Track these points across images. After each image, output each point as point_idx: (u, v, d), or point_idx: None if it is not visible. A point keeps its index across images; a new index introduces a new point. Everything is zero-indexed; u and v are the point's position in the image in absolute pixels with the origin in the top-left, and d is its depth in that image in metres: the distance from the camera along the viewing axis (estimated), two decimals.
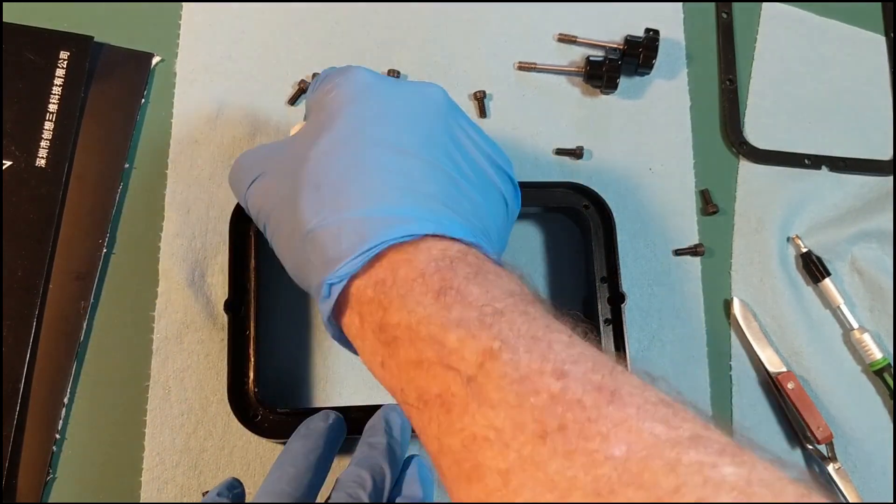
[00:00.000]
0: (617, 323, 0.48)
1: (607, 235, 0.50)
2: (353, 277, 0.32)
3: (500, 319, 0.28)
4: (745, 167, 0.57)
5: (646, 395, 0.25)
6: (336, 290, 0.32)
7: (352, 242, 0.32)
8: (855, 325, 0.54)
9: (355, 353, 0.34)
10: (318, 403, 0.47)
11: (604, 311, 0.49)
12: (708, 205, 0.56)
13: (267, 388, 0.47)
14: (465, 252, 0.32)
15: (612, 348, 0.48)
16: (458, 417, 0.27)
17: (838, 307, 0.54)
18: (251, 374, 0.45)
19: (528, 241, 0.53)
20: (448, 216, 0.33)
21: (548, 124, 0.55)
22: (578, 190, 0.51)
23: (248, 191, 0.39)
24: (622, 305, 0.49)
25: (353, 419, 0.45)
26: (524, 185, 0.51)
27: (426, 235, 0.32)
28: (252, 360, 0.45)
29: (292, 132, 0.41)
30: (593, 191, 0.51)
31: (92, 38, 0.51)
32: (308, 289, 0.35)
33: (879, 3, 0.64)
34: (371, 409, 0.47)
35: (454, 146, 0.36)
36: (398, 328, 0.30)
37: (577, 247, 0.53)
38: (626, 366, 0.42)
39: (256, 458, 0.46)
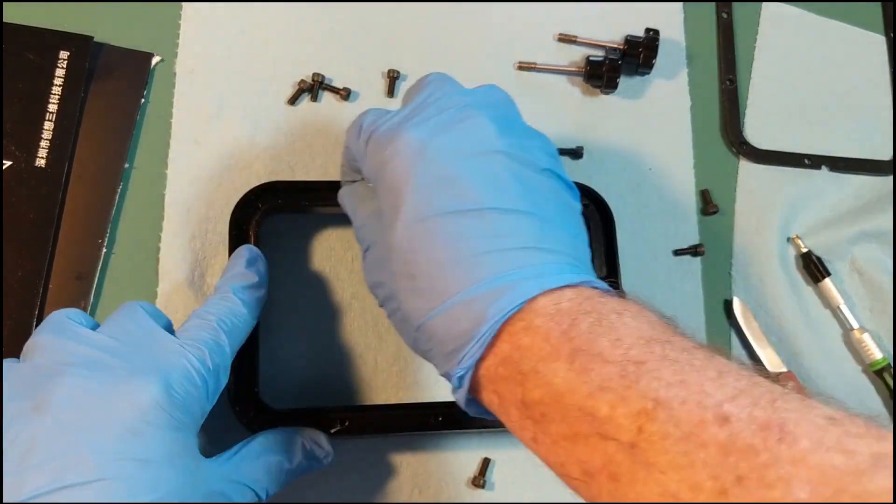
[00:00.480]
0: None
1: (607, 235, 0.50)
2: (479, 360, 0.32)
3: (643, 371, 0.27)
4: (745, 167, 0.57)
5: (812, 418, 0.25)
6: (466, 380, 0.32)
7: (464, 330, 0.31)
8: (855, 325, 0.54)
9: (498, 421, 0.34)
10: (318, 403, 0.47)
11: None
12: (708, 205, 0.56)
13: (267, 387, 0.47)
14: (577, 297, 0.31)
15: None
16: (629, 487, 0.26)
17: (838, 307, 0.54)
18: (252, 374, 0.45)
19: None
20: (543, 261, 0.33)
21: (548, 124, 0.55)
22: (579, 189, 0.51)
23: (364, 262, 0.40)
24: None
25: (355, 420, 0.45)
26: None
27: (533, 298, 0.31)
28: (252, 359, 0.45)
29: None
30: (594, 190, 0.51)
31: (92, 38, 0.51)
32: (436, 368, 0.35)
33: (879, 3, 0.64)
34: (371, 410, 0.47)
35: (518, 175, 0.35)
36: (542, 404, 0.29)
37: None
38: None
39: None
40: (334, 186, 0.49)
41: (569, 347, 0.29)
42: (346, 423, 0.45)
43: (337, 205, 0.48)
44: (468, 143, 0.35)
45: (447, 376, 0.33)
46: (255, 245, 0.46)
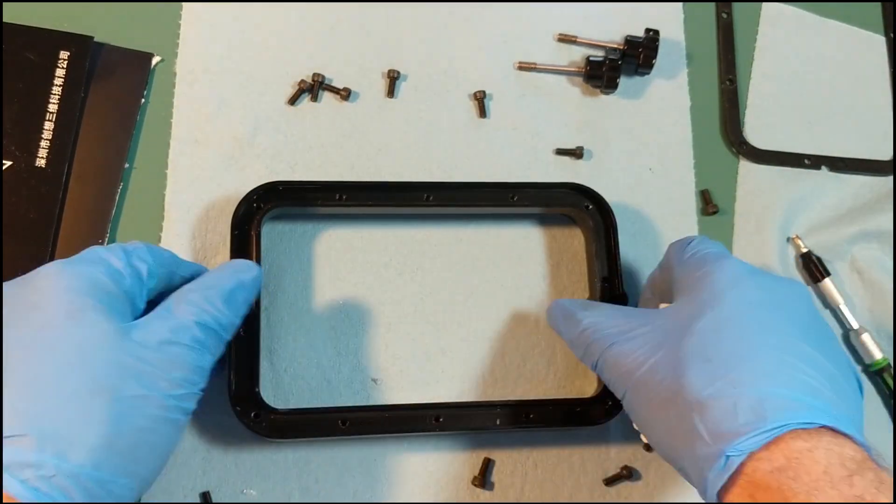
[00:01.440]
0: None
1: (608, 236, 0.50)
2: (749, 455, 0.32)
3: None
4: (745, 167, 0.57)
5: None
6: (734, 463, 0.32)
7: (749, 418, 0.33)
8: (855, 325, 0.54)
9: None
10: (319, 403, 0.47)
11: None
12: (708, 205, 0.56)
13: (268, 387, 0.47)
14: (862, 456, 0.32)
15: None
16: None
17: (838, 307, 0.54)
18: (252, 374, 0.45)
19: (529, 242, 0.53)
20: (838, 410, 0.34)
21: (548, 124, 0.55)
22: (580, 191, 0.51)
23: (605, 353, 0.40)
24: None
25: (355, 420, 0.45)
26: (524, 186, 0.51)
27: (822, 427, 0.33)
28: (253, 359, 0.45)
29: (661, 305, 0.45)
30: (594, 192, 0.51)
31: (92, 38, 0.51)
32: (680, 458, 0.36)
33: (879, 3, 0.64)
34: (372, 410, 0.47)
35: (822, 341, 0.37)
36: None
37: (577, 248, 0.53)
38: None
39: (258, 458, 0.46)
40: (335, 187, 0.49)
41: (851, 493, 0.30)
42: (347, 424, 0.45)
43: (339, 205, 0.48)
44: (788, 292, 0.39)
45: (702, 458, 0.34)
46: (256, 245, 0.46)
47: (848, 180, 0.58)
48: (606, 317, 0.42)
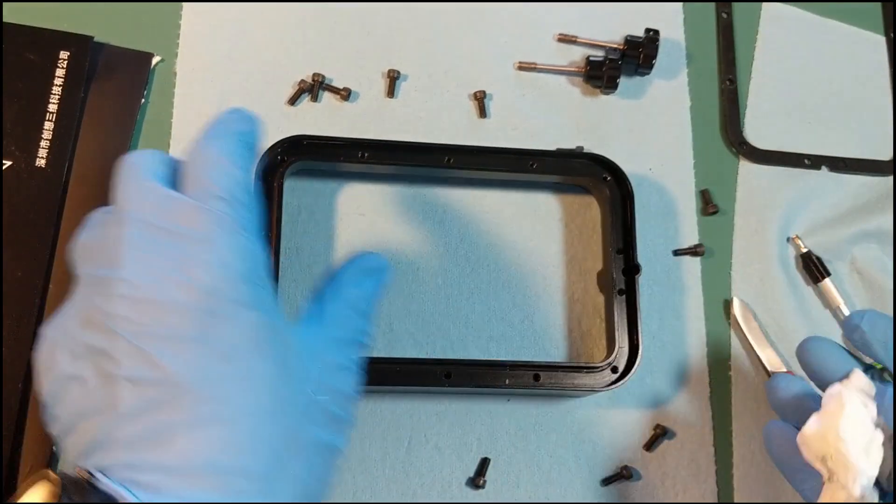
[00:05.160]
0: (631, 293, 0.49)
1: (625, 208, 0.51)
2: None
3: None
4: (745, 167, 0.57)
5: None
6: None
7: None
8: None
9: None
10: None
11: (618, 281, 0.50)
12: (708, 205, 0.56)
13: None
14: None
15: (626, 319, 0.49)
16: None
17: (838, 307, 0.54)
18: None
19: (546, 211, 0.53)
20: None
21: (548, 124, 0.55)
22: (598, 162, 0.52)
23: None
24: (636, 277, 0.49)
25: (372, 370, 0.44)
26: (544, 154, 0.52)
27: None
28: None
29: None
30: (613, 163, 0.51)
31: (92, 38, 0.51)
32: None
33: (879, 3, 0.64)
34: (389, 363, 0.46)
35: None
36: None
37: (594, 217, 0.54)
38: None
39: None
40: (358, 144, 0.49)
41: None
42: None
43: (361, 162, 0.49)
44: None
45: None
46: (278, 197, 0.47)
47: (848, 180, 0.58)
48: None
